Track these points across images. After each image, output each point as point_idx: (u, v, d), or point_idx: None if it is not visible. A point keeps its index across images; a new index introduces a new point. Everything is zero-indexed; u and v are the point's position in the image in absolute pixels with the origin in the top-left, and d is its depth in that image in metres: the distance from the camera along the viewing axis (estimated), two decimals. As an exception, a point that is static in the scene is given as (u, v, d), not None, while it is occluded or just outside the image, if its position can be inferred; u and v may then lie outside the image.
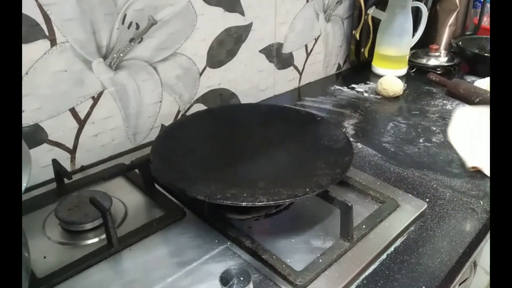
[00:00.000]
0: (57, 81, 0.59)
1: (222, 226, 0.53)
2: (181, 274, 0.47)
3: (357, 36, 1.10)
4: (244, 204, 0.49)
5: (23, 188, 0.31)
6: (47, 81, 0.58)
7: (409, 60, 1.12)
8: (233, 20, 0.79)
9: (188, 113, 0.78)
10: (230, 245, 0.51)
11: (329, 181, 0.52)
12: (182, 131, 0.63)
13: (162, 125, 0.75)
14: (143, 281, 0.46)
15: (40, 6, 0.54)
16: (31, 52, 0.55)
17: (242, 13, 0.80)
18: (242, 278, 0.42)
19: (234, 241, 0.51)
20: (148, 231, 0.52)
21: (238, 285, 0.41)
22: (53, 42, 0.57)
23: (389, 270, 0.50)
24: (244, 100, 0.88)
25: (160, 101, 0.72)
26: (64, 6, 0.56)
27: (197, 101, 0.79)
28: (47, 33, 0.56)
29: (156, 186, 0.60)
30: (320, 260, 0.48)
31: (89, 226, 0.52)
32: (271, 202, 0.49)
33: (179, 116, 0.77)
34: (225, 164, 0.58)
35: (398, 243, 0.53)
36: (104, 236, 0.51)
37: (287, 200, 0.49)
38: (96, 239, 0.52)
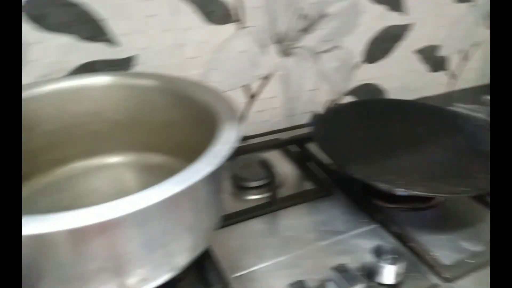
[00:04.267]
0: (238, 60, 0.68)
1: (369, 209, 0.56)
2: (332, 241, 0.51)
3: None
4: (401, 190, 0.51)
5: (237, 137, 0.38)
6: (231, 59, 0.67)
7: None
8: (394, 19, 0.81)
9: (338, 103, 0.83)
10: (377, 228, 0.54)
11: (488, 186, 0.51)
12: (339, 117, 0.67)
13: (313, 112, 0.80)
14: (298, 239, 0.51)
15: (236, -6, 0.63)
16: (224, 32, 0.65)
17: (403, 12, 0.81)
18: (395, 256, 0.44)
19: (381, 224, 0.54)
20: (302, 199, 0.58)
21: (391, 261, 0.44)
22: (241, 26, 0.66)
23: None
24: (391, 97, 0.89)
25: (317, 89, 0.78)
26: (255, -5, 0.65)
27: (348, 93, 0.83)
28: (238, 17, 0.65)
29: (307, 163, 0.65)
30: (470, 261, 0.48)
31: (254, 184, 0.59)
32: (430, 194, 0.50)
33: (330, 105, 0.82)
34: (378, 152, 0.61)
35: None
36: (264, 195, 0.58)
37: (445, 195, 0.50)
38: (257, 196, 0.59)
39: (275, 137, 0.73)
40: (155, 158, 0.51)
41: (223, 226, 0.52)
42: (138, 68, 0.61)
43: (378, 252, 0.45)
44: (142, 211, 0.28)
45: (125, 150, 0.51)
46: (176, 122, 0.48)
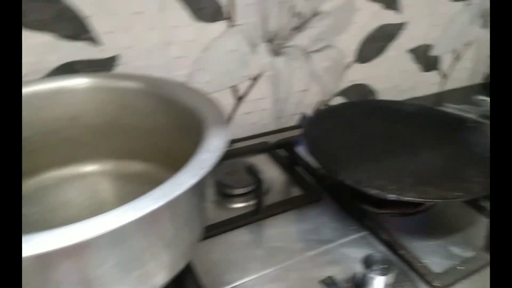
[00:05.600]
0: (227, 59, 0.66)
1: (358, 215, 0.55)
2: (320, 251, 0.50)
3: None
4: (391, 196, 0.50)
5: (224, 144, 0.36)
6: (220, 58, 0.65)
7: None
8: (388, 17, 0.79)
9: (328, 104, 0.81)
10: (366, 235, 0.52)
11: (482, 190, 0.50)
12: (329, 119, 0.65)
13: (303, 113, 0.78)
14: (284, 250, 0.50)
15: (227, -9, 0.61)
16: (213, 30, 0.63)
17: (398, 10, 0.79)
18: (385, 266, 0.43)
19: (370, 231, 0.53)
20: (289, 206, 0.56)
21: (381, 272, 0.43)
22: (231, 24, 0.64)
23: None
24: (382, 98, 0.88)
25: (307, 90, 0.76)
26: (247, -9, 0.62)
27: (339, 94, 0.81)
28: (228, 15, 0.63)
29: (297, 167, 0.64)
30: (460, 268, 0.47)
31: (240, 191, 0.57)
32: (420, 199, 0.49)
33: (320, 106, 0.80)
34: (370, 156, 0.59)
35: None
36: (250, 202, 0.56)
37: (436, 200, 0.49)
38: (243, 204, 0.57)
39: (263, 140, 0.71)
40: (135, 166, 0.49)
41: (205, 238, 0.50)
42: (121, 68, 0.58)
43: (368, 263, 0.44)
44: (117, 231, 0.26)
45: (102, 157, 0.49)
46: (159, 128, 0.46)
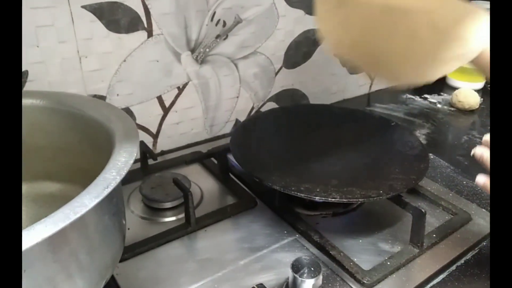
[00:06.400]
0: (149, 70, 0.64)
1: (291, 218, 0.55)
2: (252, 259, 0.49)
3: (433, 46, 1.08)
4: (317, 198, 0.51)
5: (132, 160, 0.34)
6: (141, 69, 0.63)
7: (487, 74, 1.07)
8: (312, 22, 0.81)
9: (260, 111, 0.81)
10: (299, 238, 0.53)
11: (403, 186, 0.52)
12: (259, 126, 0.65)
13: (237, 120, 0.78)
14: (216, 261, 0.49)
15: (143, 1, 0.59)
16: (130, 41, 0.61)
17: (321, 16, 0.81)
18: (312, 269, 0.44)
19: (302, 234, 0.53)
20: (222, 216, 0.55)
21: (308, 275, 0.43)
22: (150, 34, 0.62)
23: (459, 281, 0.49)
24: (314, 101, 0.90)
25: (237, 97, 0.76)
26: (163, 1, 0.61)
27: (270, 99, 0.82)
28: (145, 25, 0.61)
29: (230, 175, 0.63)
30: (388, 263, 0.49)
31: (169, 205, 0.56)
32: (344, 200, 0.50)
33: (253, 112, 0.80)
34: (298, 160, 0.60)
35: (469, 256, 0.52)
36: (181, 215, 0.55)
37: (360, 200, 0.50)
38: (173, 218, 0.55)
39: (195, 150, 0.70)
40: (50, 187, 0.46)
41: (133, 255, 0.48)
42: (33, 85, 0.55)
43: (296, 267, 0.44)
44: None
45: (13, 180, 0.45)
46: (71, 146, 0.44)
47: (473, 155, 0.41)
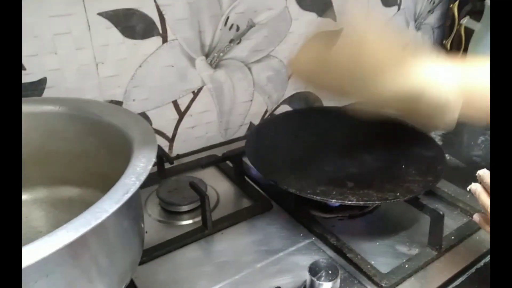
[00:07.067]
0: (164, 75, 0.65)
1: (307, 221, 0.55)
2: (269, 262, 0.49)
3: (448, 46, 1.06)
4: (334, 201, 0.50)
5: (151, 165, 0.35)
6: (156, 74, 0.64)
7: (504, 73, 1.05)
8: (325, 25, 0.81)
9: (274, 114, 0.81)
10: (315, 240, 0.53)
11: (420, 188, 0.52)
12: (273, 129, 0.65)
13: (251, 123, 0.78)
14: (234, 264, 0.49)
15: (157, 7, 0.60)
16: (146, 47, 0.61)
17: (334, 18, 0.81)
18: (330, 272, 0.43)
19: (319, 237, 0.53)
20: (238, 218, 0.56)
21: (326, 278, 0.43)
22: (165, 39, 0.63)
23: (478, 284, 0.48)
24: (327, 104, 0.89)
25: (251, 100, 0.76)
26: (177, 7, 0.62)
27: (284, 102, 0.82)
28: (160, 31, 0.62)
29: (246, 178, 0.63)
30: (406, 266, 0.48)
31: (185, 208, 0.56)
32: (360, 202, 0.50)
33: (267, 115, 0.80)
34: (313, 163, 0.60)
35: (488, 258, 0.51)
36: (198, 218, 0.55)
37: (377, 202, 0.50)
38: (190, 221, 0.56)
39: (211, 153, 0.70)
40: (69, 192, 0.46)
41: (151, 259, 0.49)
42: (50, 92, 0.56)
43: (314, 270, 0.43)
44: (37, 264, 0.24)
45: (33, 185, 0.46)
46: (89, 151, 0.44)
47: (469, 190, 0.42)
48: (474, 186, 0.42)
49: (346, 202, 0.50)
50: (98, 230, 0.31)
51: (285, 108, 0.83)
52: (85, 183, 0.46)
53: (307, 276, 0.43)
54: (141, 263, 0.48)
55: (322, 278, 0.42)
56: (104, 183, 0.39)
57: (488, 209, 0.39)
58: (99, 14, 0.56)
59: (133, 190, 0.31)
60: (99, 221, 0.28)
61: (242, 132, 0.78)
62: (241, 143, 0.72)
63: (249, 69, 0.73)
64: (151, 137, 0.38)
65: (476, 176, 0.41)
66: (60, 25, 0.54)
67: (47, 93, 0.56)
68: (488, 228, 0.41)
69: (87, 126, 0.43)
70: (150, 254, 0.49)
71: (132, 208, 0.36)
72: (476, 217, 0.43)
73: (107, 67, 0.59)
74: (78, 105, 0.45)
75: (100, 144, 0.44)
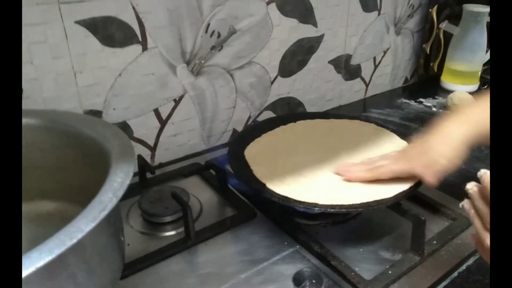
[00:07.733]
0: (145, 83, 0.64)
1: (291, 229, 0.55)
2: (253, 272, 0.49)
3: (427, 50, 1.08)
4: (316, 209, 0.50)
5: (128, 181, 0.34)
6: (137, 82, 0.63)
7: (481, 77, 1.07)
8: (306, 31, 0.81)
9: (257, 119, 0.81)
10: (299, 248, 0.52)
11: (402, 194, 0.52)
12: (255, 136, 0.65)
13: (234, 130, 0.78)
14: (217, 275, 0.48)
15: (137, 14, 0.59)
16: (125, 55, 0.60)
17: (315, 24, 0.82)
18: (314, 281, 0.43)
19: (303, 245, 0.53)
20: (222, 228, 0.55)
21: (310, 287, 0.43)
22: (145, 47, 0.62)
23: (461, 288, 0.49)
24: (310, 109, 0.90)
25: (234, 107, 0.76)
26: (157, 14, 0.61)
27: (267, 108, 0.82)
28: (140, 39, 0.61)
29: (229, 186, 0.63)
30: (390, 272, 0.48)
31: (168, 219, 0.55)
32: (343, 210, 0.50)
33: (249, 121, 0.80)
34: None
35: (470, 261, 0.52)
36: (181, 229, 0.54)
37: (359, 209, 0.50)
38: (173, 232, 0.55)
39: (193, 161, 0.70)
40: (48, 206, 0.45)
41: (133, 272, 0.48)
42: (26, 103, 0.54)
43: (298, 280, 0.44)
44: None
45: (9, 200, 0.45)
46: (67, 164, 0.43)
47: (462, 206, 0.42)
48: (468, 204, 0.41)
49: (328, 210, 0.49)
50: (75, 248, 0.30)
51: (268, 114, 0.82)
52: (64, 196, 0.45)
53: (291, 287, 0.43)
54: (123, 277, 0.47)
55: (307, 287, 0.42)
56: (83, 196, 0.39)
57: (487, 217, 0.39)
58: (77, 22, 0.55)
59: (110, 207, 0.30)
60: (74, 241, 0.27)
61: (225, 139, 0.77)
62: (224, 150, 0.72)
63: (231, 75, 0.73)
64: (129, 151, 0.37)
65: (478, 176, 0.40)
66: (35, 34, 0.53)
67: (23, 104, 0.54)
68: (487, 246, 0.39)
69: (64, 138, 0.42)
70: (133, 267, 0.49)
71: (111, 224, 0.35)
72: (471, 237, 0.43)
73: (86, 76, 0.58)
74: (54, 118, 0.44)
75: (77, 157, 0.43)
